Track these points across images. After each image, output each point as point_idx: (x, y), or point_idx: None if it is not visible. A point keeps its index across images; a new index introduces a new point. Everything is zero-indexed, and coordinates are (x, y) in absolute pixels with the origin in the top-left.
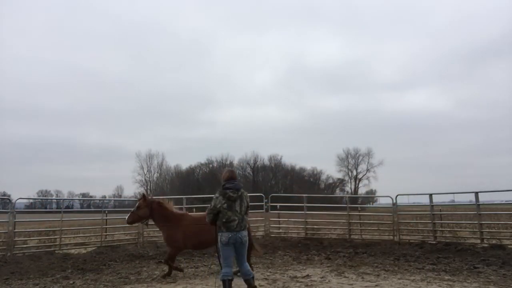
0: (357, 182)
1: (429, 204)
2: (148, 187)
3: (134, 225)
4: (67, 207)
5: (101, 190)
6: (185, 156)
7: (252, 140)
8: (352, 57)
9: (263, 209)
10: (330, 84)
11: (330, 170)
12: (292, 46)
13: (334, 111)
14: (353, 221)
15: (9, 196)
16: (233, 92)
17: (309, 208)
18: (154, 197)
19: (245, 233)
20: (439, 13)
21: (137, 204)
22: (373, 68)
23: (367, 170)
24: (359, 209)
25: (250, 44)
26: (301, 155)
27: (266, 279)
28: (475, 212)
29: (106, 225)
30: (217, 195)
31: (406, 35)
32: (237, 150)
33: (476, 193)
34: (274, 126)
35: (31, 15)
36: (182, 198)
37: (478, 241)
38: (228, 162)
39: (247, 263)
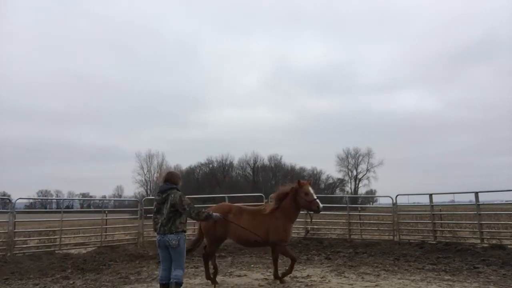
0: (357, 182)
1: (429, 204)
2: (148, 187)
3: (134, 225)
4: (67, 207)
5: (101, 190)
6: (184, 156)
7: (250, 141)
8: (338, 60)
9: None
10: (317, 86)
11: (330, 170)
12: (278, 49)
13: (324, 112)
14: (353, 221)
15: (9, 196)
16: (224, 94)
17: None
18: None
19: (172, 236)
20: (422, 16)
21: None
22: (359, 71)
23: (367, 170)
24: (359, 209)
25: (238, 46)
26: (301, 155)
27: (266, 279)
28: (475, 212)
29: (106, 225)
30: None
31: (390, 38)
32: (237, 150)
33: (476, 193)
34: (270, 127)
35: (25, 17)
36: None
37: (478, 241)
38: (228, 162)
39: (177, 270)
